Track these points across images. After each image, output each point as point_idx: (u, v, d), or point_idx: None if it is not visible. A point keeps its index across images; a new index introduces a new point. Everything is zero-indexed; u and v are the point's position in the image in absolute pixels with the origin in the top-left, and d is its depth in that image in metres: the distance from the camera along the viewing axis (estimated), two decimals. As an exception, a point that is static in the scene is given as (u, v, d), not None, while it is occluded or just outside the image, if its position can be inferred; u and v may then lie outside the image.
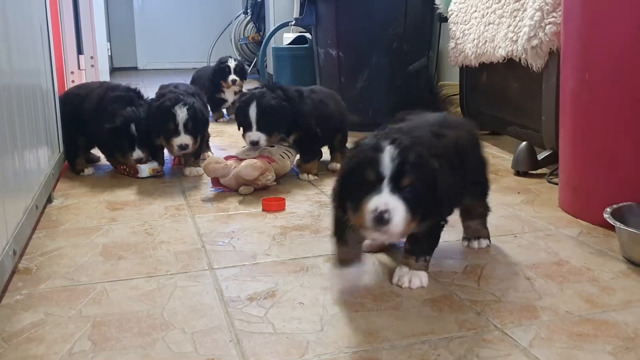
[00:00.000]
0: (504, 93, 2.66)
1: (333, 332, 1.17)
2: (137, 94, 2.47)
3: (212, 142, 2.88)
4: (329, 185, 2.17)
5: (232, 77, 3.63)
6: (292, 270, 1.47)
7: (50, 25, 2.22)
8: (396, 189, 1.17)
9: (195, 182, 2.33)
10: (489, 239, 1.62)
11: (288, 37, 4.50)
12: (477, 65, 2.75)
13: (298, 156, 2.41)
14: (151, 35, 7.69)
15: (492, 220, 1.81)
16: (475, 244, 1.60)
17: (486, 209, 1.61)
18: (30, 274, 1.48)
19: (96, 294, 1.36)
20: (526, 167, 2.32)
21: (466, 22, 2.78)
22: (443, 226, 1.37)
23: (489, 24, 2.58)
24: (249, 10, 6.43)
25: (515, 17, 2.36)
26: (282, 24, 4.43)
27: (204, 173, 2.39)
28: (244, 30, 6.57)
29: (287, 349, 1.11)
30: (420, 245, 1.37)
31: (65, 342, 1.16)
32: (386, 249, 1.58)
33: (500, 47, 2.46)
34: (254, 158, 2.16)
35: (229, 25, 6.82)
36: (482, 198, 1.59)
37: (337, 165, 2.45)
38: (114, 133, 2.31)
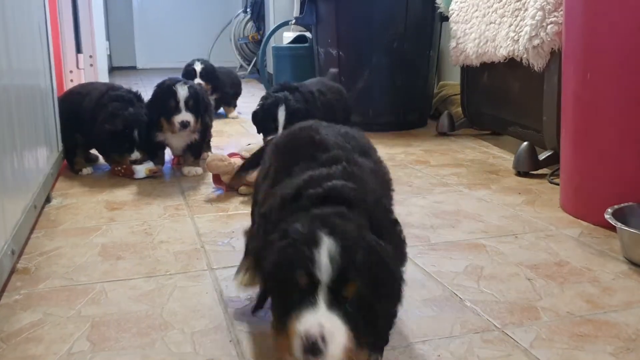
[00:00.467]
0: (505, 93, 2.66)
1: (333, 333, 1.16)
2: (138, 97, 2.47)
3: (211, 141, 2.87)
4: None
5: (198, 80, 3.52)
6: (292, 271, 1.46)
7: (49, 24, 2.21)
8: (336, 301, 0.84)
9: (194, 182, 2.32)
10: None
11: (288, 36, 4.50)
12: (478, 64, 2.74)
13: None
14: (150, 35, 7.68)
15: (492, 220, 1.81)
16: None
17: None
18: (29, 273, 1.47)
19: (95, 294, 1.35)
20: (527, 168, 2.31)
21: (467, 22, 2.77)
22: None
23: (490, 24, 2.57)
24: (248, 9, 6.43)
25: (517, 16, 2.36)
26: (282, 23, 4.43)
27: (202, 173, 2.39)
28: (244, 29, 6.56)
29: (287, 350, 1.10)
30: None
31: (64, 342, 1.15)
32: None
33: (501, 46, 2.46)
34: None
35: (228, 24, 6.81)
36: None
37: None
38: (114, 135, 2.30)
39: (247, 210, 1.96)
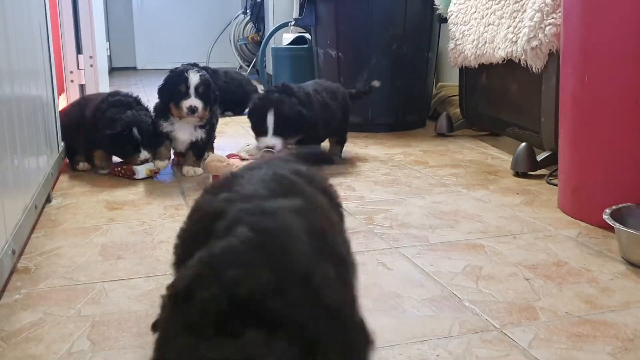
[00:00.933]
0: (503, 94, 2.66)
1: (332, 333, 1.17)
2: (138, 101, 2.48)
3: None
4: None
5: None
6: (292, 271, 1.47)
7: (50, 24, 2.22)
8: None
9: (194, 182, 2.33)
10: None
11: (287, 37, 4.50)
12: (476, 66, 2.75)
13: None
14: (150, 35, 7.68)
15: (491, 221, 1.82)
16: None
17: None
18: (29, 273, 1.47)
19: (95, 294, 1.36)
20: (525, 168, 2.32)
21: (466, 23, 2.78)
22: None
23: (488, 25, 2.58)
24: (248, 11, 6.43)
25: (515, 18, 2.36)
26: (282, 24, 4.43)
27: (202, 173, 2.40)
28: (243, 30, 6.56)
29: (287, 349, 1.11)
30: None
31: (64, 341, 1.15)
32: None
33: (499, 48, 2.46)
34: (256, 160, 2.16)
35: (228, 25, 6.81)
36: None
37: (336, 158, 2.55)
38: (115, 138, 2.31)
39: (247, 210, 1.96)
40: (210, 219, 0.80)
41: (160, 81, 2.41)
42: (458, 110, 3.13)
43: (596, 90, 1.73)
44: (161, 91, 2.39)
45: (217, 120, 2.56)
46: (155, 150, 2.40)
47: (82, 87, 3.57)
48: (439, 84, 3.69)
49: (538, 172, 2.32)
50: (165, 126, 2.39)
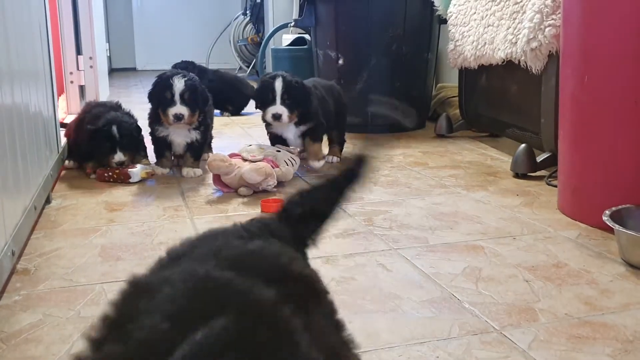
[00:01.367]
0: (503, 95, 2.66)
1: (332, 334, 1.17)
2: (119, 106, 2.56)
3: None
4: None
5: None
6: (291, 272, 1.47)
7: (50, 25, 2.22)
8: None
9: (194, 183, 2.33)
10: None
11: (287, 38, 4.51)
12: (476, 67, 2.75)
13: (299, 161, 2.41)
14: (150, 36, 7.68)
15: (491, 222, 1.82)
16: None
17: None
18: (29, 274, 1.47)
19: (95, 295, 1.36)
20: (525, 170, 2.32)
21: (465, 24, 2.78)
22: None
23: (488, 26, 2.58)
24: (248, 11, 6.43)
25: (515, 19, 2.37)
26: (282, 25, 4.43)
27: (202, 175, 2.39)
28: (243, 31, 6.57)
29: (286, 351, 1.11)
30: None
31: (63, 343, 1.15)
32: None
33: (499, 49, 2.47)
34: (258, 161, 2.15)
35: (228, 26, 6.82)
36: None
37: (335, 159, 2.63)
38: (94, 133, 2.32)
39: (247, 211, 1.96)
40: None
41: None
42: (458, 111, 3.13)
43: (596, 91, 1.73)
44: (150, 97, 2.40)
45: (212, 120, 2.55)
46: (157, 159, 2.45)
47: (81, 88, 3.58)
48: (439, 85, 3.69)
49: (538, 173, 2.32)
50: (161, 130, 2.40)
